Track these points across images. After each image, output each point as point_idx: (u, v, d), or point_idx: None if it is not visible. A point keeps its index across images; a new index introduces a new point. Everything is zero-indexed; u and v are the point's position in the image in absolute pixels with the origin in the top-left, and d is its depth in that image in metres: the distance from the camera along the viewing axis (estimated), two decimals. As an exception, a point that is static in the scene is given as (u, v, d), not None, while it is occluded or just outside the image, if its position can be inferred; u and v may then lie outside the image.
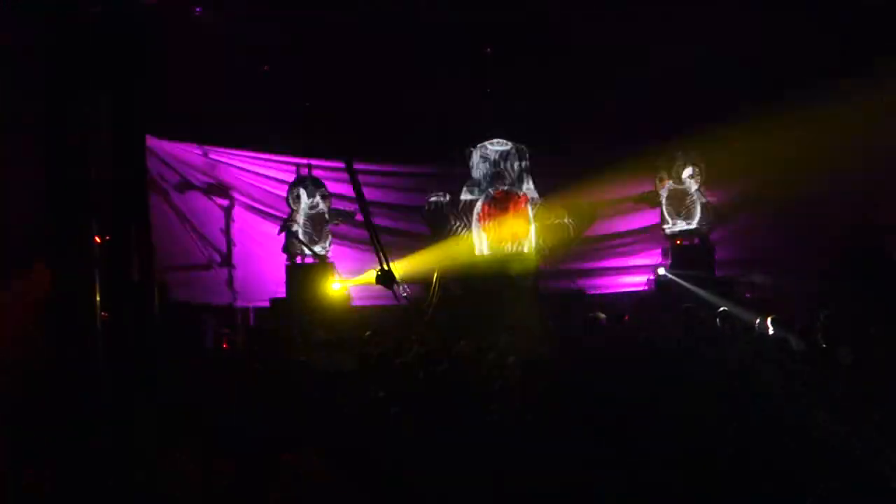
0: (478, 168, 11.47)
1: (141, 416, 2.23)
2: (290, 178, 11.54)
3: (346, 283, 11.00)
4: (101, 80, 2.34)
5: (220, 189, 11.69)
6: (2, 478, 3.56)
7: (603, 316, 9.06)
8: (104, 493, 2.07)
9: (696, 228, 10.88)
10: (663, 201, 11.02)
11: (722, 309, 8.02)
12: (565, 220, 11.28)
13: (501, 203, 11.36)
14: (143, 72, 2.33)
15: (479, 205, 11.44)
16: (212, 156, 11.62)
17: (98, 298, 2.32)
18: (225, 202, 11.74)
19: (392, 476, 4.03)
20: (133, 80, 2.33)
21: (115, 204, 2.34)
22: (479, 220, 11.41)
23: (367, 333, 8.24)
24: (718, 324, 7.62)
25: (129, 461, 2.15)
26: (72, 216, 2.27)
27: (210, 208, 11.64)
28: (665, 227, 11.04)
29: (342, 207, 11.38)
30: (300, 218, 11.34)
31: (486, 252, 11.37)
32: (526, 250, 11.34)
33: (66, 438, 2.07)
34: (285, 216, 11.36)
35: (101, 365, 2.15)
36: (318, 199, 11.34)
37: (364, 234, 10.54)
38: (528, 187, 11.47)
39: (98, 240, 2.43)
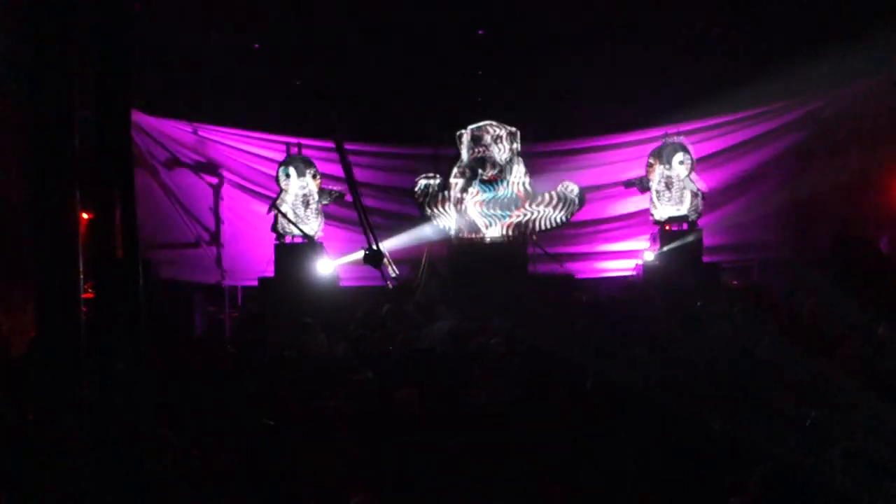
0: (468, 151, 11.43)
1: (124, 394, 2.21)
2: (280, 157, 11.45)
3: (335, 263, 10.97)
4: (85, 49, 2.31)
5: (209, 167, 11.61)
6: None
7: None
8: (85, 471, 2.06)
9: (684, 214, 10.90)
10: (653, 186, 11.03)
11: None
12: (554, 205, 11.28)
13: (491, 186, 11.34)
14: (130, 41, 2.29)
15: (469, 187, 11.41)
16: (201, 133, 11.53)
17: (82, 274, 2.29)
18: (214, 180, 11.66)
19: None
20: (119, 50, 2.29)
21: (99, 178, 2.31)
22: (468, 203, 11.39)
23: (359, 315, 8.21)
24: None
25: (112, 436, 2.14)
26: (55, 190, 2.25)
27: (199, 186, 11.57)
28: (654, 212, 11.06)
29: (332, 187, 11.31)
30: (289, 197, 11.26)
31: (475, 234, 11.37)
32: (514, 233, 11.33)
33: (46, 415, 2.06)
34: (275, 195, 11.29)
35: (83, 341, 2.13)
36: (308, 178, 11.26)
37: (353, 214, 10.51)
38: (518, 171, 11.44)
39: (83, 215, 2.40)
